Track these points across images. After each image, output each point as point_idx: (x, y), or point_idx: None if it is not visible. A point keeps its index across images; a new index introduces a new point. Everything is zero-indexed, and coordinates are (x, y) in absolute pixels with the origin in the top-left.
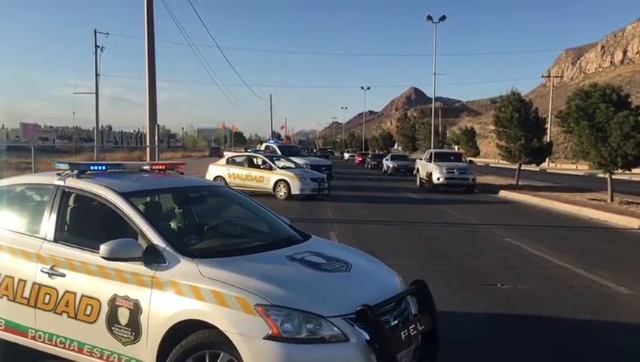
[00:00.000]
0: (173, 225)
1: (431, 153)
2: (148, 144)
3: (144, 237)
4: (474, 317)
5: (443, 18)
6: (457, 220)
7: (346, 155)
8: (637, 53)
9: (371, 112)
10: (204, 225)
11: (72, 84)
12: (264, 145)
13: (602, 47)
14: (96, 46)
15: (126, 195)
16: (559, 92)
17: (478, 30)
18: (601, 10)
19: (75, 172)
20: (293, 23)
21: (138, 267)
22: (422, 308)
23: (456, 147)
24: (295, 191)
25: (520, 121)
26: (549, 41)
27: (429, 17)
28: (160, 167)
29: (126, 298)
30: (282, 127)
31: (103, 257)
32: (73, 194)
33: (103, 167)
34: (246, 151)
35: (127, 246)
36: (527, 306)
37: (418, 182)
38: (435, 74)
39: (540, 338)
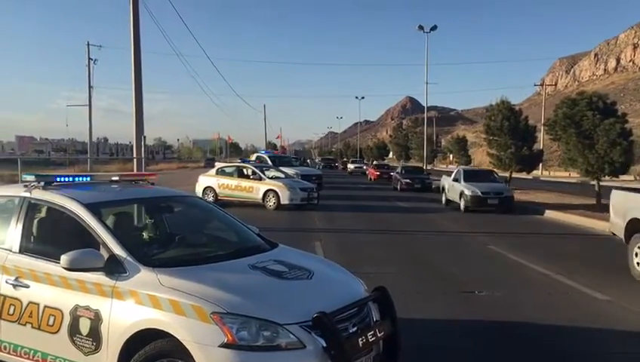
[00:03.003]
0: (144, 235)
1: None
2: (135, 155)
3: (106, 247)
4: (444, 324)
5: (434, 28)
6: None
7: (351, 167)
8: (630, 61)
9: (367, 122)
10: (172, 235)
11: (67, 96)
12: (255, 155)
13: (595, 55)
14: (89, 58)
15: (90, 206)
16: (553, 100)
17: (473, 39)
18: (594, 18)
19: (42, 183)
20: (288, 33)
21: (99, 277)
22: (383, 315)
23: (451, 156)
24: (284, 201)
25: (510, 129)
26: (543, 49)
27: (421, 27)
28: (130, 178)
29: (87, 308)
30: (278, 137)
31: (64, 267)
32: (39, 206)
33: (70, 179)
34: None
35: (88, 257)
36: (503, 313)
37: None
38: (427, 83)
39: (509, 345)
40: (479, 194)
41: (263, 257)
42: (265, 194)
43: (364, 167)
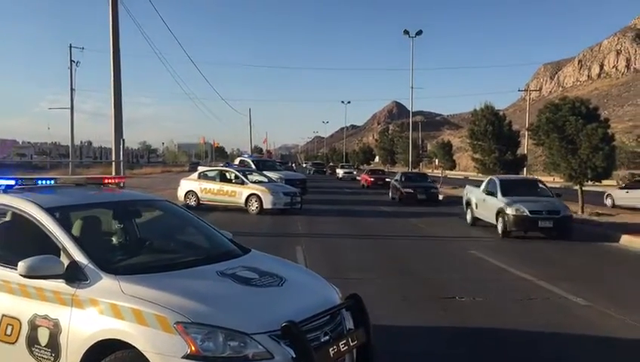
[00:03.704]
0: (114, 240)
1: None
2: (114, 158)
3: (66, 253)
4: (423, 330)
5: (419, 33)
6: None
7: (340, 172)
8: (613, 67)
9: (354, 126)
10: (142, 241)
11: (52, 99)
12: (238, 159)
13: (580, 61)
14: (71, 61)
15: (51, 210)
16: (538, 106)
17: (459, 45)
18: (579, 25)
19: (2, 187)
20: (274, 38)
21: (59, 285)
22: (357, 323)
23: (436, 161)
24: (267, 205)
25: (494, 134)
26: (528, 55)
27: (406, 32)
28: (98, 181)
29: (46, 317)
30: (264, 142)
31: (21, 275)
32: None
33: (33, 181)
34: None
35: (47, 263)
36: (482, 318)
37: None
38: (412, 88)
39: (486, 350)
40: (526, 214)
41: (233, 263)
42: (247, 198)
43: (354, 172)
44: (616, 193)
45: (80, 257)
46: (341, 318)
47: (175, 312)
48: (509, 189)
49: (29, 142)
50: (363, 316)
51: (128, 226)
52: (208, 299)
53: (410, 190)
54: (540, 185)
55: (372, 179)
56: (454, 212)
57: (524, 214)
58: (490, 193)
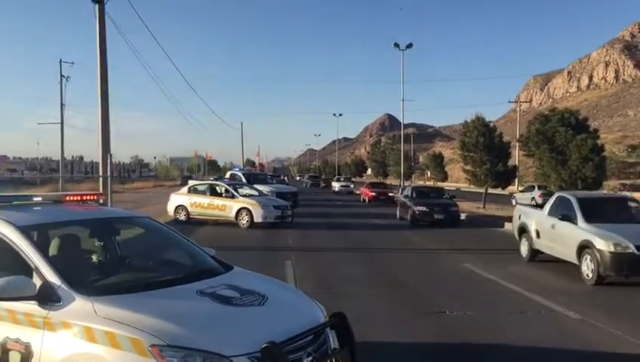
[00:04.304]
0: (94, 259)
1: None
2: (101, 174)
3: (39, 273)
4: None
5: (410, 46)
6: None
7: (336, 186)
8: (602, 78)
9: (346, 139)
10: (122, 259)
11: (43, 114)
12: (229, 172)
13: (569, 72)
14: (61, 76)
15: (24, 229)
16: (528, 117)
17: (450, 57)
18: (568, 37)
19: None
20: (265, 51)
21: (31, 307)
22: (342, 342)
23: (428, 173)
24: (258, 219)
25: (485, 145)
26: (518, 67)
27: (396, 45)
28: (75, 198)
29: (17, 341)
30: (256, 155)
31: None
32: None
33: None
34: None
35: (18, 285)
36: (473, 333)
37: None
38: (403, 100)
39: None
40: (631, 250)
41: (213, 282)
42: (238, 212)
43: (351, 186)
44: (517, 195)
45: (53, 278)
46: (325, 337)
47: (150, 335)
48: (594, 210)
49: (19, 158)
50: (348, 335)
51: (108, 244)
52: (185, 320)
53: (425, 208)
54: (631, 203)
55: (373, 194)
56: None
57: (628, 251)
58: (565, 217)
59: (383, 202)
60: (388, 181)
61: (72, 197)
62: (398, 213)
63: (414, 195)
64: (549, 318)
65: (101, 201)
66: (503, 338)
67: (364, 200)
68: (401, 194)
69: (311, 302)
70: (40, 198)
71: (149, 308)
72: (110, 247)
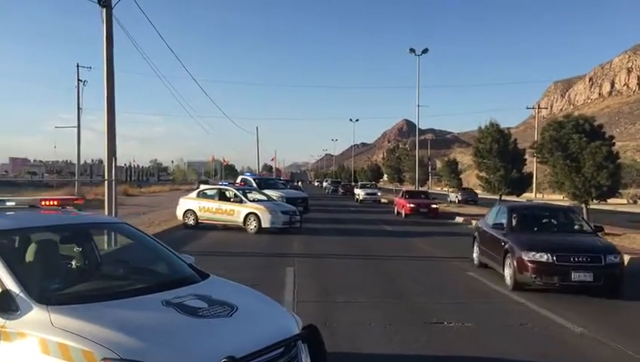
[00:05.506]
0: (67, 266)
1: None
2: (106, 178)
3: None
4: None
5: (425, 51)
6: None
7: (361, 193)
8: (624, 84)
9: (364, 144)
10: (92, 267)
11: (64, 118)
12: (239, 177)
13: (590, 79)
14: (78, 80)
15: None
16: None
17: (470, 62)
18: (590, 42)
19: None
20: (284, 56)
21: None
22: (313, 356)
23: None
24: (265, 224)
25: (499, 151)
26: (539, 72)
27: (412, 50)
28: (52, 203)
29: None
30: (272, 160)
31: None
32: None
33: None
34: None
35: None
36: (469, 346)
37: (476, 259)
38: (418, 106)
39: None
40: (545, 259)
41: (184, 291)
42: (246, 217)
43: (378, 193)
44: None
45: (12, 285)
46: (297, 351)
47: (103, 347)
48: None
49: (40, 161)
50: (320, 349)
51: (87, 251)
52: (143, 333)
53: (552, 258)
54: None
55: (412, 205)
56: None
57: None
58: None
59: (424, 215)
60: (403, 187)
61: (48, 202)
62: (476, 254)
63: (516, 223)
64: (549, 333)
65: (79, 207)
66: (499, 352)
67: (398, 213)
68: (491, 221)
69: (285, 312)
70: (14, 203)
71: (107, 319)
72: (89, 254)
